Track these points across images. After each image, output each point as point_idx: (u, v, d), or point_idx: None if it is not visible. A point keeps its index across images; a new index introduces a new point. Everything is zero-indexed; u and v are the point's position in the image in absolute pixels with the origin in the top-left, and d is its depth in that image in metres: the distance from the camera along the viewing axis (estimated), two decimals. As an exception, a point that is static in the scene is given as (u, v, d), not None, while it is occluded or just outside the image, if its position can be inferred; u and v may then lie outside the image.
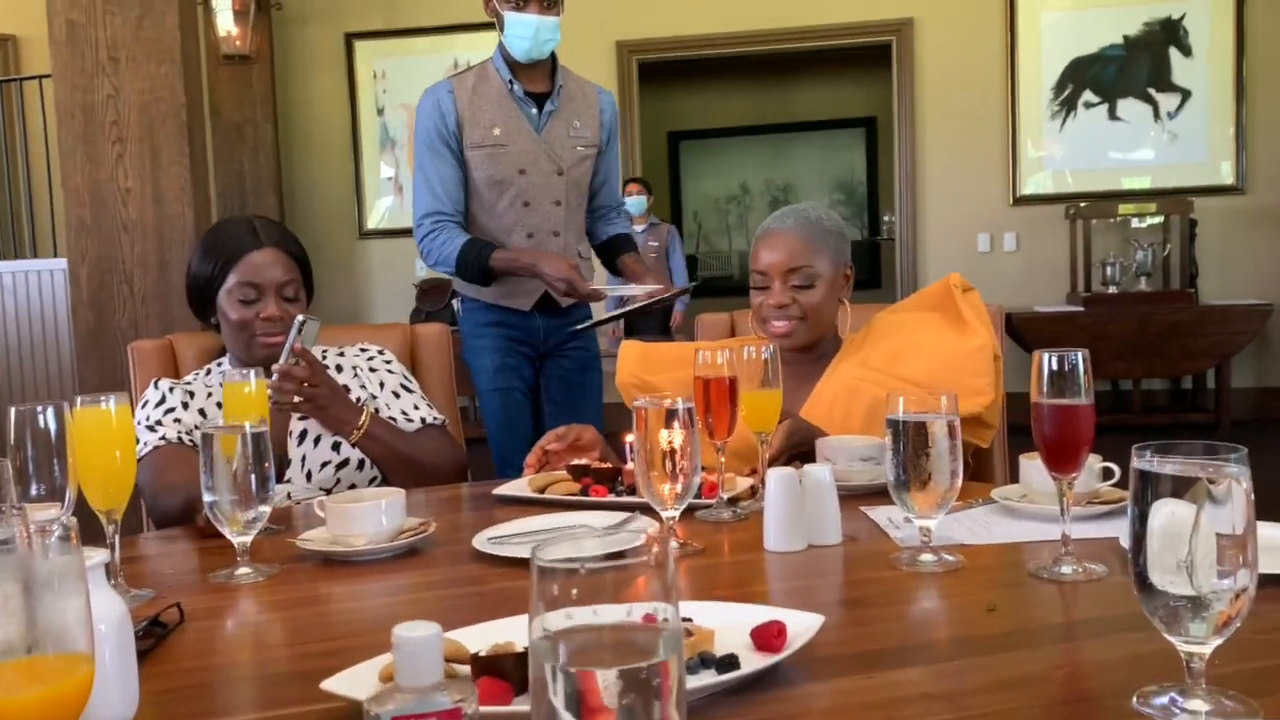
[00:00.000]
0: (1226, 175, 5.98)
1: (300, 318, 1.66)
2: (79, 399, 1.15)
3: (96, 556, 0.78)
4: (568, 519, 1.35)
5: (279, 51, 6.38)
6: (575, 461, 1.61)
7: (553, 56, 2.68)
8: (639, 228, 5.54)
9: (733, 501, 1.42)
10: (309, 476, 1.76)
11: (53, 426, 1.11)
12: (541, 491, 1.54)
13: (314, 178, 6.66)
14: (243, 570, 1.22)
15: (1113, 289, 5.81)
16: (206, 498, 1.20)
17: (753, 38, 6.34)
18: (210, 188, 3.94)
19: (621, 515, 1.33)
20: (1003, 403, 1.74)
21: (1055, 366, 1.06)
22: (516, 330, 2.58)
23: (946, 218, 6.26)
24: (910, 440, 1.08)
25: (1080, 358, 1.05)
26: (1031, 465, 1.30)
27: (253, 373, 1.45)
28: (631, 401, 1.84)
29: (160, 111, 3.43)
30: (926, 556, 1.11)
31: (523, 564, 1.18)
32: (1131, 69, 6.03)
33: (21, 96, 5.96)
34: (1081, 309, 5.70)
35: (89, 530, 1.28)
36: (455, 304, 3.18)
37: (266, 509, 1.22)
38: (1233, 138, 5.95)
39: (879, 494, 1.46)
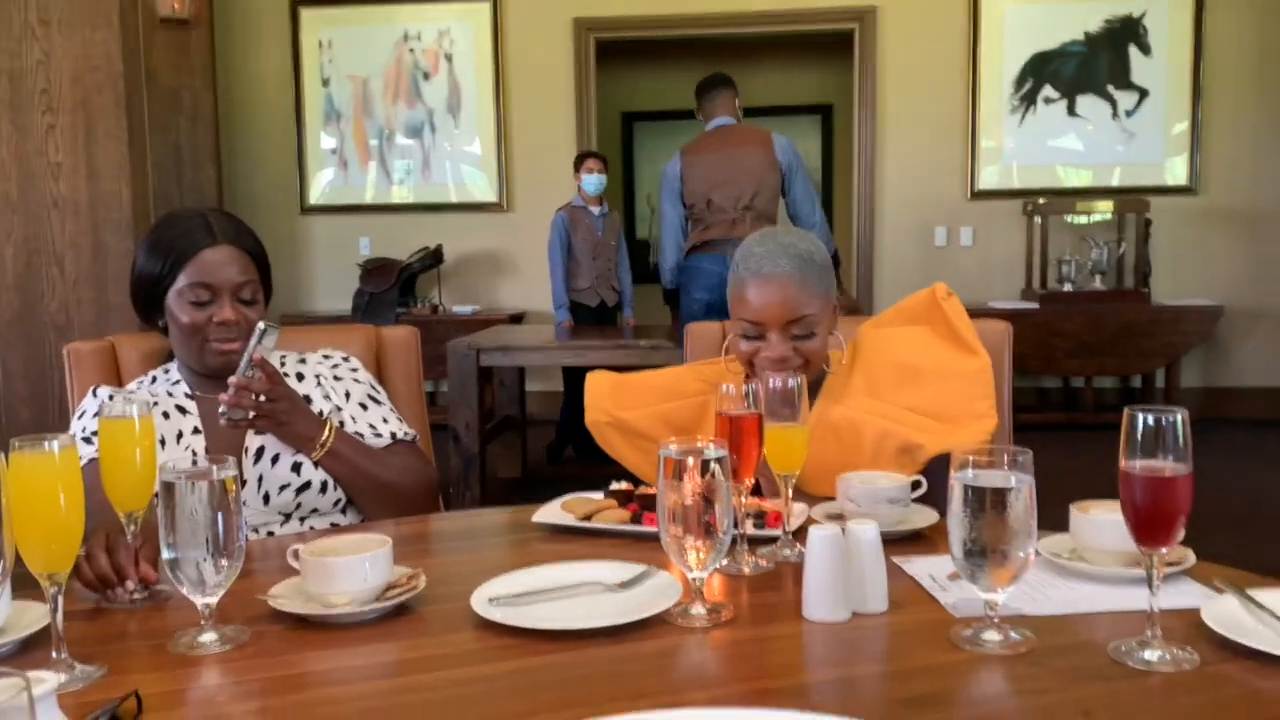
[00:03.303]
0: (1180, 175, 6.00)
1: (261, 325, 1.49)
2: (14, 441, 0.98)
3: (46, 682, 0.62)
4: (575, 572, 1.20)
5: (220, 16, 6.07)
6: (616, 485, 1.48)
7: None
8: (595, 210, 5.25)
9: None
10: (266, 499, 1.59)
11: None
12: (587, 519, 1.41)
13: (254, 150, 6.37)
14: (206, 636, 1.05)
15: (1068, 286, 5.80)
16: (166, 555, 1.04)
17: (713, 20, 6.20)
18: (147, 157, 3.67)
19: (637, 568, 1.19)
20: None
21: (1150, 427, 0.94)
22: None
23: (904, 210, 6.20)
24: (987, 510, 0.96)
25: (1180, 418, 0.94)
26: (1086, 519, 1.19)
27: (135, 408, 1.21)
28: (605, 442, 1.71)
29: (95, 80, 3.17)
30: (992, 634, 0.99)
31: (528, 634, 1.04)
32: (1091, 66, 6.01)
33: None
34: (1037, 306, 5.68)
35: (25, 581, 1.11)
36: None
37: (238, 564, 1.06)
38: (1188, 138, 5.96)
39: (907, 540, 1.34)
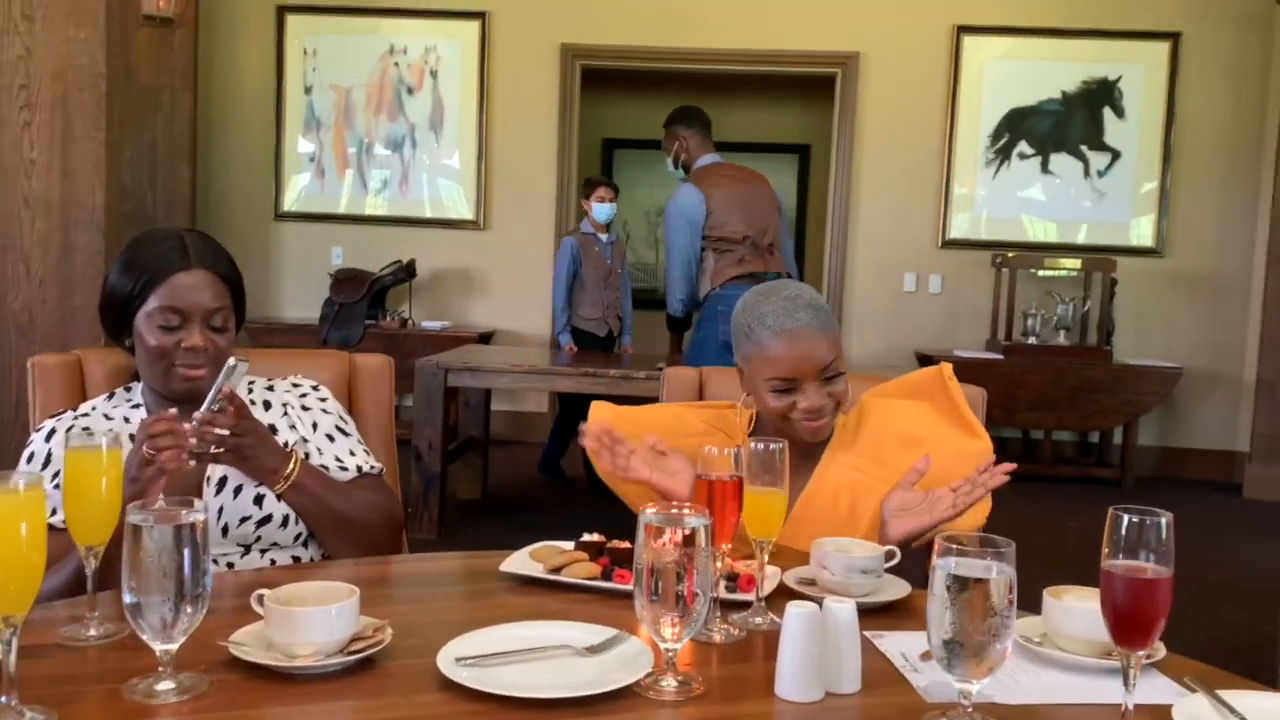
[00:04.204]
0: (1145, 237, 6.11)
1: (231, 360, 1.45)
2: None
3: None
4: (545, 632, 1.18)
5: (205, 17, 6.01)
6: (587, 537, 1.47)
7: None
8: (604, 237, 5.19)
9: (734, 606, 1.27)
10: (225, 531, 1.56)
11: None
12: (556, 571, 1.39)
13: (231, 153, 6.31)
14: (163, 685, 1.02)
15: (1032, 339, 5.88)
16: (128, 599, 1.01)
17: (699, 55, 6.23)
18: (121, 159, 3.62)
19: (607, 632, 1.17)
20: None
21: (1134, 526, 0.94)
22: None
23: (875, 254, 6.25)
24: (966, 599, 0.95)
25: (1164, 521, 0.94)
26: (1059, 606, 1.19)
27: (104, 439, 1.19)
28: (603, 470, 1.70)
29: (77, 79, 3.11)
30: (965, 725, 0.99)
31: (496, 700, 1.02)
32: (1067, 124, 6.12)
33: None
34: (1001, 357, 5.75)
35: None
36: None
37: (203, 611, 1.03)
38: (1156, 201, 6.07)
39: (879, 612, 1.34)
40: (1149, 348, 6.06)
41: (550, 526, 1.51)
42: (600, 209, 5.12)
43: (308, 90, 6.25)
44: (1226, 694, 1.05)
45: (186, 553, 1.01)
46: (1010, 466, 1.41)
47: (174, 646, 1.03)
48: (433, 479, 4.23)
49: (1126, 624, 0.94)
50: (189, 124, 5.73)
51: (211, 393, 1.43)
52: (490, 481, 5.06)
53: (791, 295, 1.63)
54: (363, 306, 5.77)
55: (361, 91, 6.25)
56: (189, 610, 1.02)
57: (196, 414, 1.41)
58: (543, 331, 6.28)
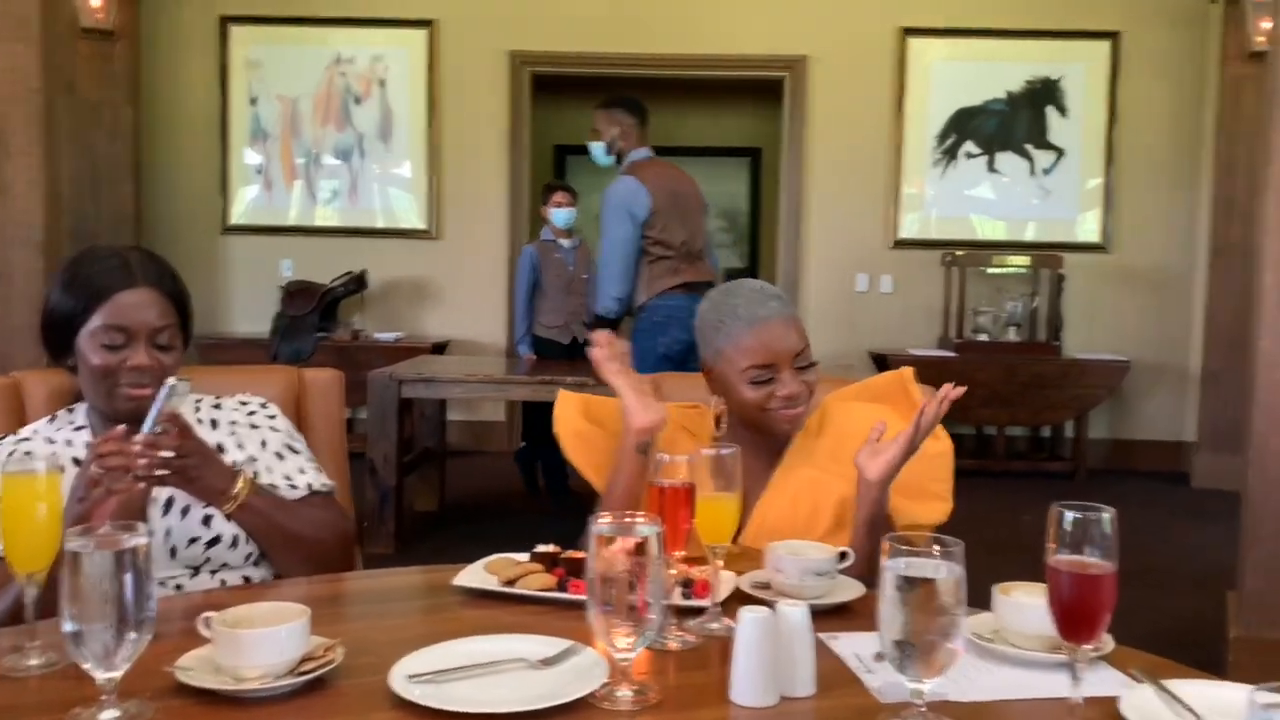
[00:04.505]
0: (1092, 233, 6.21)
1: (171, 381, 1.43)
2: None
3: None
4: (499, 646, 1.17)
5: (146, 29, 5.93)
6: (541, 548, 1.46)
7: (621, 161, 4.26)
8: (566, 243, 5.13)
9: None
10: (173, 553, 1.53)
11: None
12: (510, 583, 1.37)
13: (176, 167, 6.21)
14: (107, 714, 1.00)
15: (983, 337, 5.96)
16: (68, 627, 0.98)
17: (647, 61, 6.25)
18: (61, 175, 3.55)
19: (562, 644, 1.17)
20: None
21: (1078, 522, 0.96)
22: None
23: (827, 255, 6.30)
24: (916, 599, 0.96)
25: (1107, 516, 0.95)
26: (1008, 602, 1.20)
27: (43, 463, 1.17)
28: (572, 454, 1.72)
29: (11, 93, 3.04)
30: (918, 724, 1.00)
31: (449, 717, 1.01)
32: (1012, 124, 6.21)
33: None
34: (954, 354, 5.81)
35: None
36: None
37: (147, 637, 1.01)
38: (1100, 198, 6.18)
39: (833, 614, 1.34)
40: (1097, 342, 6.16)
41: (510, 537, 1.51)
42: (558, 214, 5.08)
43: (253, 101, 6.18)
44: (1172, 683, 1.06)
45: (129, 578, 0.99)
46: (963, 389, 1.43)
47: (117, 675, 1.01)
48: (388, 492, 4.19)
49: (1072, 619, 0.96)
50: (131, 138, 5.64)
51: (151, 414, 1.40)
52: (448, 493, 5.02)
53: (757, 288, 1.68)
54: (314, 319, 5.71)
55: (308, 102, 6.19)
56: (132, 636, 1.00)
57: (137, 437, 1.38)
58: (499, 340, 6.25)
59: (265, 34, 6.14)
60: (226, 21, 6.11)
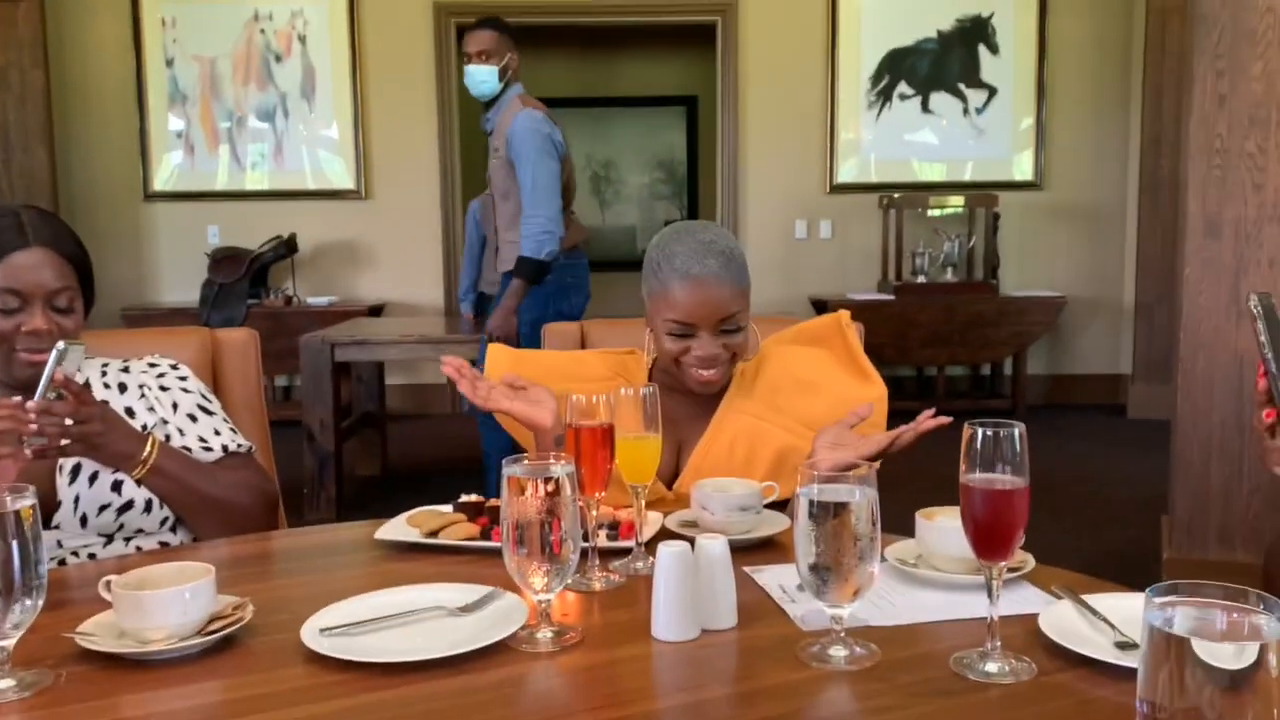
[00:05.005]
0: (1026, 171, 6.26)
1: (61, 344, 1.37)
2: None
3: None
4: (417, 595, 1.15)
5: (50, -11, 5.69)
6: (465, 498, 1.43)
7: (504, 92, 3.75)
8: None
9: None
10: (84, 521, 1.48)
11: None
12: (433, 535, 1.34)
13: (92, 133, 6.00)
14: (3, 683, 0.96)
15: (922, 278, 5.99)
16: (-48, 596, 0.94)
17: (577, 8, 6.15)
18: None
19: (482, 590, 1.14)
20: None
21: (989, 439, 0.95)
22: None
23: (765, 203, 6.28)
24: (829, 524, 0.95)
25: (1018, 433, 0.95)
26: (931, 527, 1.20)
27: None
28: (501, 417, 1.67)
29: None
30: (838, 650, 0.99)
31: (364, 669, 0.98)
32: (944, 63, 6.20)
33: None
34: (892, 298, 5.85)
35: None
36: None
37: (38, 603, 0.97)
38: (1033, 135, 6.22)
39: (759, 548, 1.34)
40: (1033, 279, 6.23)
41: (455, 497, 1.46)
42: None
43: (169, 63, 5.97)
44: (1091, 597, 1.07)
45: (14, 544, 0.95)
46: (946, 420, 1.35)
47: (9, 643, 0.97)
48: (327, 458, 4.13)
49: (986, 536, 0.95)
50: (43, 103, 5.43)
51: (43, 380, 1.34)
52: (390, 457, 4.96)
53: (707, 240, 1.59)
54: (244, 286, 5.58)
55: (227, 61, 6.00)
56: (24, 603, 0.96)
57: (29, 404, 1.32)
58: (437, 301, 6.16)
59: (178, -9, 5.93)
60: (136, -21, 5.89)
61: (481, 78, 3.70)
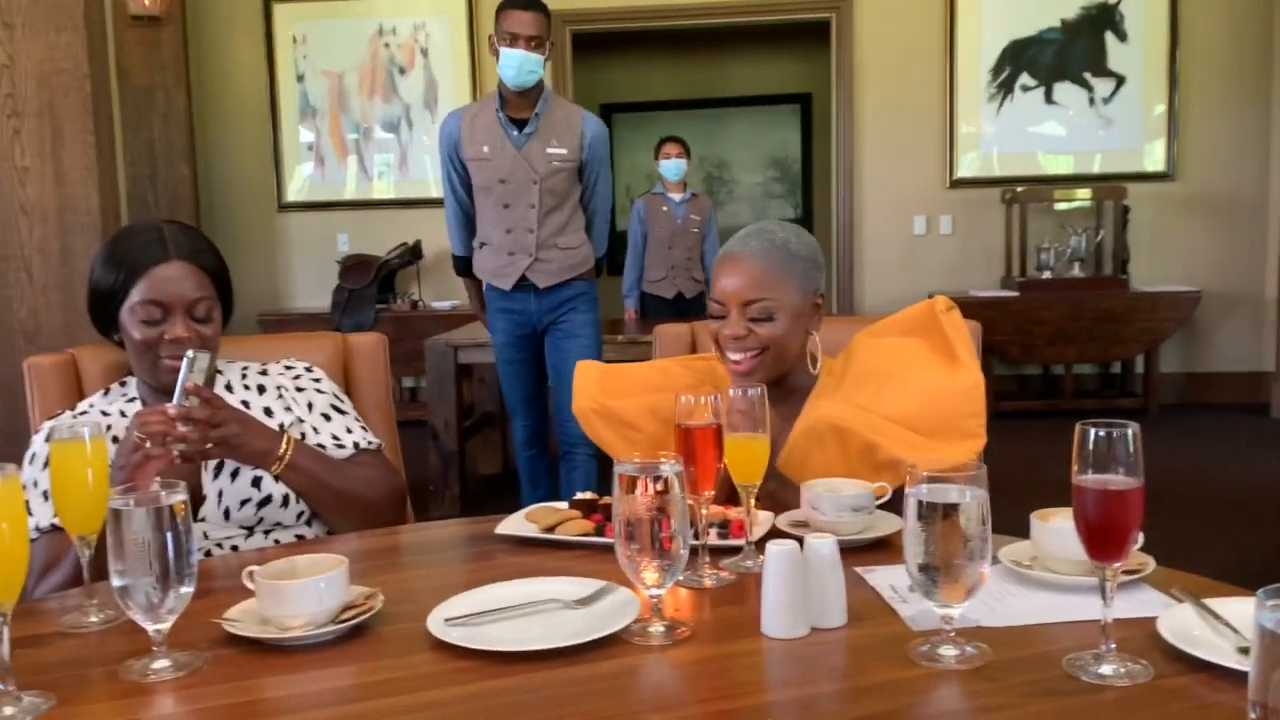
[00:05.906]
0: (1158, 162, 6.02)
1: (190, 353, 1.46)
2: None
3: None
4: (535, 588, 1.19)
5: (191, 12, 6.02)
6: (581, 495, 1.49)
7: (540, 86, 3.30)
8: (677, 196, 5.17)
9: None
10: (227, 514, 1.57)
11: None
12: (550, 530, 1.41)
13: (229, 147, 6.33)
14: (160, 663, 1.04)
15: (1047, 274, 5.82)
16: (116, 582, 1.03)
17: (690, 11, 6.18)
18: (118, 158, 3.63)
19: (596, 584, 1.18)
20: None
21: (1101, 441, 0.94)
22: (516, 314, 3.37)
23: (883, 199, 6.20)
24: (939, 525, 0.95)
25: (1131, 433, 0.93)
26: (1046, 528, 1.19)
27: (87, 430, 1.19)
28: (591, 430, 1.71)
29: (61, 83, 3.12)
30: (948, 649, 0.99)
31: (486, 657, 1.03)
32: (1068, 53, 6.02)
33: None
34: (1017, 294, 5.70)
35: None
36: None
37: (190, 590, 1.05)
38: (1164, 125, 5.97)
39: (871, 548, 1.34)
40: (1166, 273, 5.99)
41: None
42: (667, 166, 5.11)
43: (300, 79, 6.25)
44: (1213, 602, 1.04)
45: (169, 535, 1.03)
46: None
47: (165, 626, 1.05)
48: (451, 457, 4.26)
49: (1099, 537, 0.94)
50: (185, 121, 5.75)
51: (177, 389, 1.44)
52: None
53: (763, 226, 1.63)
54: (372, 291, 5.80)
55: (354, 75, 6.24)
56: (178, 589, 1.04)
57: (168, 409, 1.42)
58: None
59: (308, 10, 6.20)
60: (269, 0, 6.18)
61: (533, 66, 3.26)
